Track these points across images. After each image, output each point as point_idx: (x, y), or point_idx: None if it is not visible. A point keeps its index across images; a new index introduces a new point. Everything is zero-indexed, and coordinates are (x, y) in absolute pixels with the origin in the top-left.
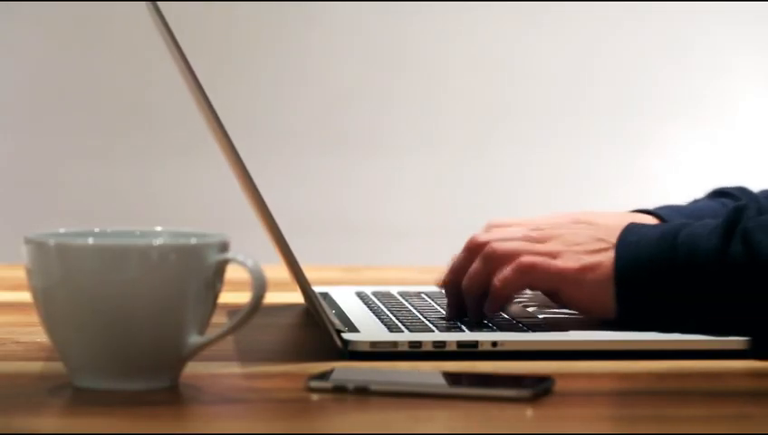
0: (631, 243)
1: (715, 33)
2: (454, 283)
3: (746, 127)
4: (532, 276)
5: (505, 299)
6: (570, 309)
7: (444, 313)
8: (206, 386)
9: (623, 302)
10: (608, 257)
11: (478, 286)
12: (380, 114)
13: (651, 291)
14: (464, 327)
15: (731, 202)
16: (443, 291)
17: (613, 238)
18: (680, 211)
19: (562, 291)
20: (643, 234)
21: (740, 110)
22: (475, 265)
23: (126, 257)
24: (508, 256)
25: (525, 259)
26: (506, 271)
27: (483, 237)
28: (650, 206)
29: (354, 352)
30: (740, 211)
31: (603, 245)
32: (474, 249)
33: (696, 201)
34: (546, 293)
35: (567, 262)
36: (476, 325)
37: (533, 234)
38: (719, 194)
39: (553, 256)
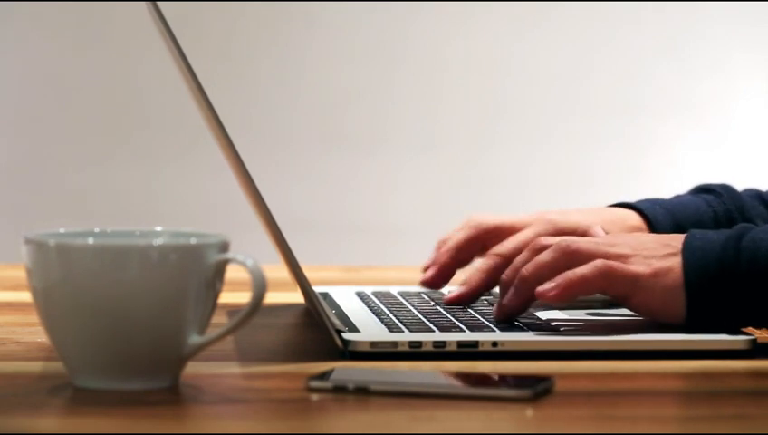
0: (697, 248)
1: (714, 33)
2: (512, 280)
3: (745, 127)
4: (609, 280)
5: (576, 294)
6: (638, 314)
7: (444, 314)
8: (206, 386)
9: (693, 307)
10: (676, 262)
11: (548, 275)
12: (380, 114)
13: (719, 295)
14: (464, 327)
15: (712, 198)
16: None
17: (678, 243)
18: (662, 205)
19: (635, 295)
20: (708, 238)
21: (739, 109)
22: (547, 255)
23: (126, 257)
24: (585, 254)
25: (604, 261)
26: (585, 269)
27: (551, 239)
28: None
29: (354, 352)
30: None
31: (670, 250)
32: (541, 249)
33: (678, 196)
34: (616, 297)
35: (639, 266)
36: (477, 327)
37: (602, 239)
38: (702, 190)
39: (626, 259)
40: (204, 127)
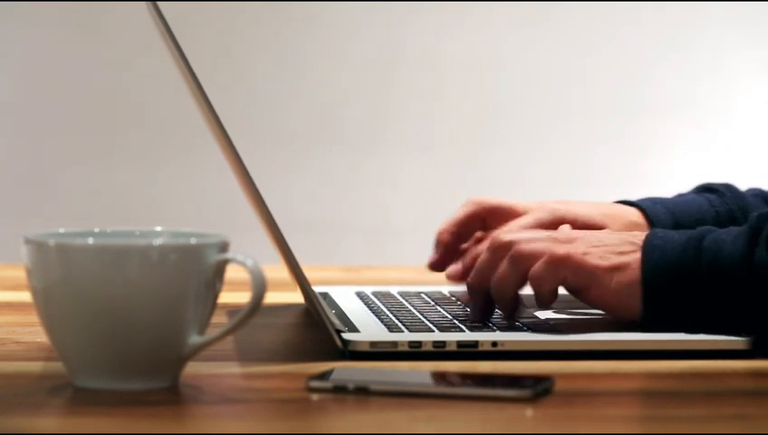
0: (657, 246)
1: (714, 32)
2: (480, 284)
3: (745, 126)
4: (566, 269)
5: (548, 293)
6: (595, 308)
7: (444, 314)
8: (206, 386)
9: (649, 304)
10: (635, 259)
11: (510, 289)
12: (380, 114)
13: (676, 294)
14: (464, 327)
15: (715, 197)
16: (456, 291)
17: (639, 241)
18: (663, 204)
19: (591, 288)
20: (669, 238)
21: (739, 109)
22: (504, 267)
23: (126, 257)
24: (537, 254)
25: (558, 250)
26: (539, 266)
27: (506, 237)
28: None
29: (354, 352)
30: (765, 218)
31: (629, 247)
32: (497, 249)
33: (680, 195)
34: (574, 289)
35: (597, 260)
36: (477, 327)
37: (558, 235)
38: (705, 189)
39: (584, 254)
40: (204, 127)
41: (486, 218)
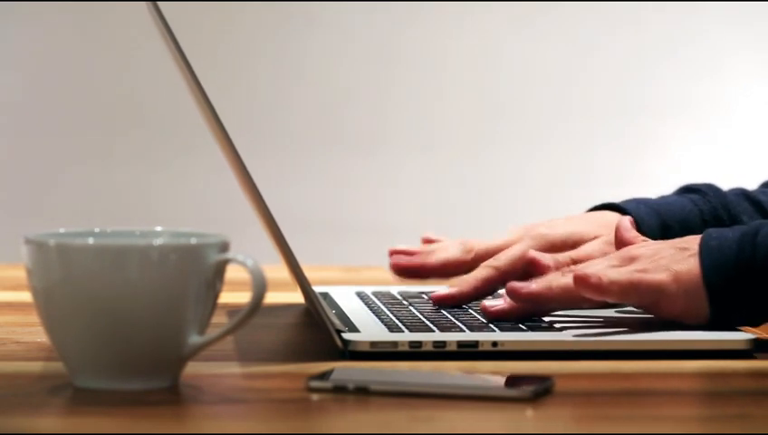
0: (714, 248)
1: (713, 32)
2: (540, 294)
3: (745, 127)
4: (637, 293)
5: (601, 298)
6: (664, 319)
7: (444, 314)
8: (206, 386)
9: (715, 305)
10: (694, 264)
11: (568, 303)
12: (380, 114)
13: (739, 291)
14: (464, 327)
15: (698, 197)
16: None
17: (694, 245)
18: (647, 204)
19: (661, 303)
20: (724, 237)
21: (738, 109)
22: (567, 282)
23: (126, 257)
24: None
25: (628, 276)
26: (610, 282)
27: (579, 272)
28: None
29: (354, 352)
30: None
31: (687, 253)
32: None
33: (664, 196)
34: (643, 307)
35: (661, 274)
36: (477, 327)
37: (616, 261)
38: (687, 190)
39: (646, 272)
40: (204, 127)
41: (478, 262)
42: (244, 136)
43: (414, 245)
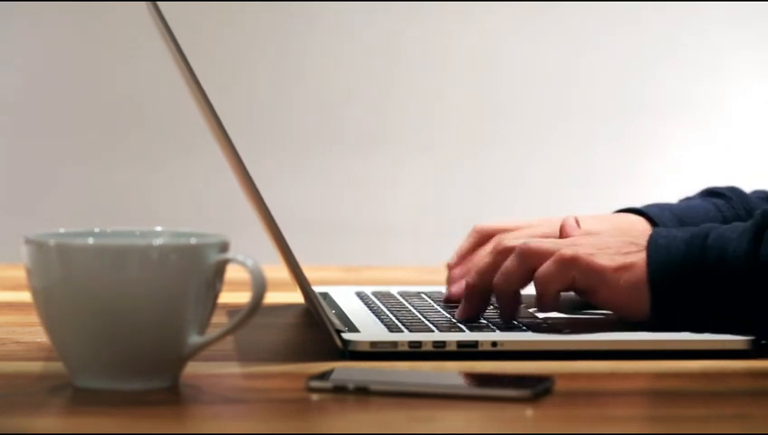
0: (662, 245)
1: (713, 32)
2: (479, 283)
3: (745, 127)
4: (575, 269)
5: (553, 295)
6: (603, 309)
7: (443, 314)
8: (206, 386)
9: (656, 303)
10: (641, 259)
11: (514, 285)
12: (380, 114)
13: (683, 292)
14: (464, 327)
15: (722, 202)
16: (452, 289)
17: (643, 241)
18: (670, 210)
19: (600, 289)
20: (673, 236)
21: (738, 109)
22: (510, 262)
23: (126, 257)
24: (545, 253)
25: (566, 251)
26: (547, 266)
27: (512, 241)
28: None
29: (354, 352)
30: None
31: (634, 248)
32: (502, 251)
33: (686, 199)
34: (582, 290)
35: (604, 260)
36: (477, 327)
37: (563, 240)
38: (710, 193)
39: (591, 255)
40: (204, 127)
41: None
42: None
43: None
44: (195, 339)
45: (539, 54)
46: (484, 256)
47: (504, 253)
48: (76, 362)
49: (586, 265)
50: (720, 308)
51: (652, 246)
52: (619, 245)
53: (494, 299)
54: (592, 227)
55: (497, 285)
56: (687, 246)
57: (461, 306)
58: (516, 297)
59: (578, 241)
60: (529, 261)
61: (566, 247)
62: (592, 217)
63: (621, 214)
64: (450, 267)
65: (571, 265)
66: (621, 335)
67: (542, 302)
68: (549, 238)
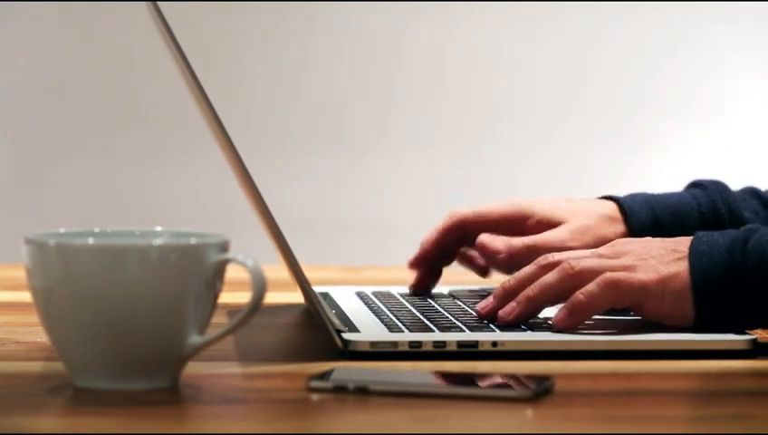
0: (703, 252)
1: (713, 31)
2: (517, 290)
3: (745, 126)
4: (618, 292)
5: (589, 314)
6: (650, 320)
7: (444, 314)
8: (206, 386)
9: (701, 310)
10: (683, 267)
11: (550, 300)
12: (380, 114)
13: (726, 298)
14: (464, 327)
15: (699, 191)
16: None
17: (684, 248)
18: (643, 197)
19: (645, 304)
20: (714, 242)
21: (738, 109)
22: (552, 276)
23: (126, 257)
24: (589, 272)
25: (609, 275)
26: (592, 286)
27: (557, 256)
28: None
29: (354, 352)
30: None
31: (676, 255)
32: (547, 266)
33: (666, 192)
34: (627, 307)
35: (647, 274)
36: (477, 326)
37: (603, 250)
38: (692, 186)
39: (632, 269)
40: (204, 126)
41: (463, 230)
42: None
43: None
44: (195, 339)
45: (539, 54)
46: (527, 267)
47: (548, 267)
48: (76, 362)
49: (629, 286)
50: (763, 312)
51: (694, 253)
52: (662, 253)
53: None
54: (544, 204)
55: (534, 295)
56: (729, 252)
57: (489, 303)
58: (540, 309)
59: (620, 250)
60: (571, 279)
61: (607, 263)
62: (568, 200)
63: (594, 200)
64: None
65: (615, 288)
66: (621, 335)
67: (571, 320)
68: (591, 250)
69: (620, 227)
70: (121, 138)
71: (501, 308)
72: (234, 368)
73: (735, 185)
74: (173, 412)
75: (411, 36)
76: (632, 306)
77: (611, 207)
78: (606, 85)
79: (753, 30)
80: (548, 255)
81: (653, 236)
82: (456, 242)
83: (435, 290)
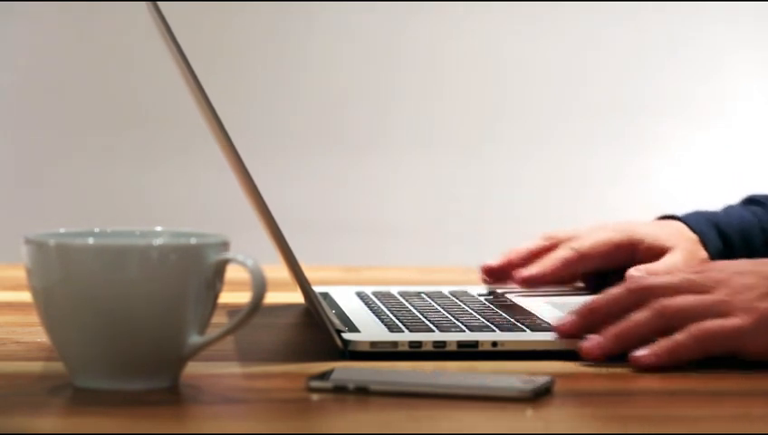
0: None
1: (713, 31)
2: (606, 314)
3: (745, 126)
4: (711, 344)
5: (673, 363)
6: (756, 360)
7: (444, 314)
8: (206, 386)
9: None
10: None
11: (641, 338)
12: (380, 114)
13: None
14: (464, 327)
15: (759, 208)
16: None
17: None
18: (708, 219)
19: (742, 348)
20: None
21: (738, 109)
22: (643, 315)
23: (126, 257)
24: (683, 316)
25: (702, 327)
26: (685, 338)
27: (647, 282)
28: (677, 211)
29: (354, 352)
30: None
31: None
32: (637, 292)
33: (727, 208)
34: (726, 355)
35: (742, 316)
36: (477, 327)
37: (696, 278)
38: (750, 201)
39: (725, 309)
40: (204, 127)
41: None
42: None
43: (414, 245)
44: (195, 339)
45: (539, 54)
46: (617, 289)
47: (637, 293)
48: (76, 362)
49: (723, 337)
50: None
51: None
52: (757, 282)
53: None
54: (655, 232)
55: (619, 334)
56: None
57: (571, 320)
58: (627, 348)
59: (715, 277)
60: (662, 323)
61: (700, 313)
62: (647, 223)
63: (672, 221)
64: (511, 263)
65: (710, 340)
66: None
67: (657, 365)
68: (683, 274)
69: (704, 252)
70: (121, 138)
71: (585, 326)
72: (234, 368)
73: (735, 185)
74: (173, 412)
75: (411, 36)
76: (731, 353)
77: (687, 230)
78: (606, 85)
79: (753, 30)
80: (639, 278)
81: (723, 259)
82: (569, 278)
83: (433, 290)
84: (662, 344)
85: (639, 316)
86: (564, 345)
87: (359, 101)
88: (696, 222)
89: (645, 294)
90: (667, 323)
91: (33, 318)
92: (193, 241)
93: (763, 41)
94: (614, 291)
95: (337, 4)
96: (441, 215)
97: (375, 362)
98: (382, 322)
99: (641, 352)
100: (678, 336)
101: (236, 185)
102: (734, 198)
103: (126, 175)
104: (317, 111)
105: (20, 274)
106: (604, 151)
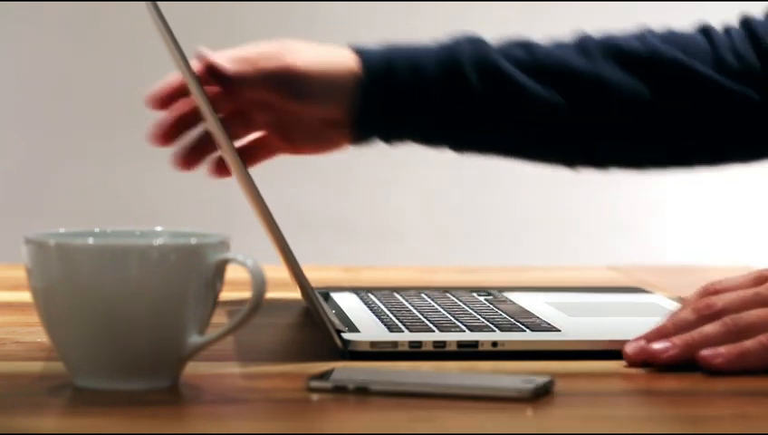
0: None
1: None
2: (670, 333)
3: None
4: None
5: (745, 367)
6: None
7: (444, 314)
8: (206, 386)
9: None
10: None
11: (717, 367)
12: None
13: None
14: (464, 327)
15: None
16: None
17: None
18: (387, 46)
19: None
20: None
21: None
22: (714, 329)
23: (126, 257)
24: (754, 329)
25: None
26: (757, 347)
27: (719, 304)
28: None
29: (354, 352)
30: None
31: None
32: (709, 317)
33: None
34: None
35: None
36: (477, 326)
37: (765, 291)
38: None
39: None
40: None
41: None
42: None
43: (414, 245)
44: (195, 339)
45: None
46: (685, 313)
47: (709, 318)
48: (76, 362)
49: None
50: None
51: None
52: None
53: None
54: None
55: (690, 341)
56: None
57: (641, 345)
58: (686, 359)
59: None
60: (733, 336)
61: None
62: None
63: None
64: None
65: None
66: (622, 336)
67: (728, 368)
68: (751, 289)
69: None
70: (121, 138)
71: (676, 357)
72: (234, 368)
73: (735, 183)
74: (173, 412)
75: (411, 36)
76: None
77: (350, 56)
78: None
79: None
80: (708, 298)
81: (384, 83)
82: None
83: (434, 290)
84: (731, 349)
85: (710, 329)
86: (564, 345)
87: None
88: (365, 48)
89: (717, 315)
90: (738, 336)
91: (33, 318)
92: (193, 241)
93: None
94: (682, 314)
95: (337, 4)
96: (442, 216)
97: (375, 362)
98: (382, 322)
99: (709, 352)
100: (747, 343)
101: (236, 185)
102: (734, 197)
103: (126, 175)
104: None
105: (20, 274)
106: None
